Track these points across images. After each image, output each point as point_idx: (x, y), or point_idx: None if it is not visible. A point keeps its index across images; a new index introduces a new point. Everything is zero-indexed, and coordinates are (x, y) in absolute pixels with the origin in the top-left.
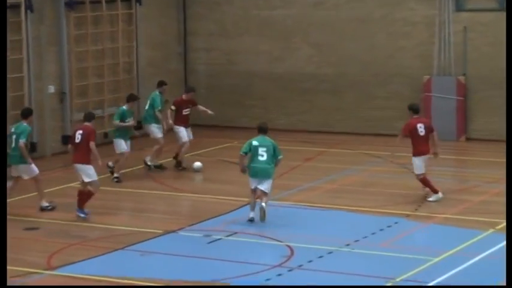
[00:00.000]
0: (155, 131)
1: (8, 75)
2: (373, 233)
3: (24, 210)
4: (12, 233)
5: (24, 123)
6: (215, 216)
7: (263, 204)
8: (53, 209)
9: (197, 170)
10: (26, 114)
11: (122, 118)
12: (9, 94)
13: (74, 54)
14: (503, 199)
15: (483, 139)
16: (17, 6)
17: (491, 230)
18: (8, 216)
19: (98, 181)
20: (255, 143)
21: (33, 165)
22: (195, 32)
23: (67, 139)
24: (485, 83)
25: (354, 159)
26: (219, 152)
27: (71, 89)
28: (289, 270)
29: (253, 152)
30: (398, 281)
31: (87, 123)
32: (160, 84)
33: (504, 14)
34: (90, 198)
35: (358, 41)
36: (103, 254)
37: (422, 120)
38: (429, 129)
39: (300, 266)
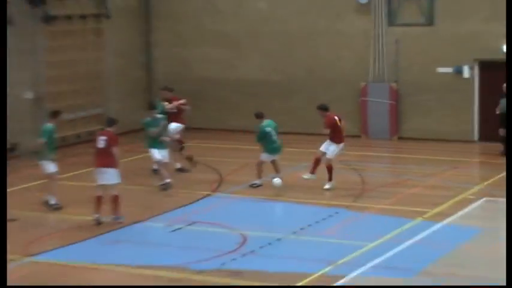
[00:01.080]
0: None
1: None
2: (316, 222)
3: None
4: None
5: (49, 124)
6: (176, 208)
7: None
8: (57, 208)
9: (276, 185)
10: (53, 114)
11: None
12: None
13: (50, 64)
14: (433, 192)
15: (415, 138)
16: None
17: (419, 219)
18: None
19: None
20: (268, 129)
21: (50, 164)
22: (157, 43)
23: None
24: (416, 89)
25: (300, 157)
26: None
27: (46, 95)
28: (243, 255)
29: (268, 135)
30: (339, 263)
31: (108, 129)
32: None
33: (431, 28)
34: (118, 201)
35: (305, 51)
36: (76, 242)
37: (335, 114)
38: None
39: (252, 251)
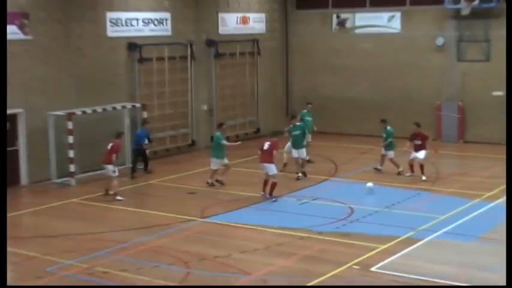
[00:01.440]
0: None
1: (179, 99)
2: (404, 200)
3: (188, 181)
4: (179, 195)
5: (217, 133)
6: (305, 188)
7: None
8: (213, 185)
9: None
10: (219, 125)
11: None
12: (179, 110)
13: (219, 86)
14: (488, 180)
15: (475, 141)
16: (185, 57)
17: (478, 199)
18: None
19: (277, 174)
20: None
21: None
22: (293, 72)
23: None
24: (476, 106)
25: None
26: None
27: (216, 107)
28: (351, 222)
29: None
30: (420, 229)
31: (273, 138)
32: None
33: (488, 63)
34: (275, 187)
35: (397, 79)
36: (236, 209)
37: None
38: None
39: (357, 219)
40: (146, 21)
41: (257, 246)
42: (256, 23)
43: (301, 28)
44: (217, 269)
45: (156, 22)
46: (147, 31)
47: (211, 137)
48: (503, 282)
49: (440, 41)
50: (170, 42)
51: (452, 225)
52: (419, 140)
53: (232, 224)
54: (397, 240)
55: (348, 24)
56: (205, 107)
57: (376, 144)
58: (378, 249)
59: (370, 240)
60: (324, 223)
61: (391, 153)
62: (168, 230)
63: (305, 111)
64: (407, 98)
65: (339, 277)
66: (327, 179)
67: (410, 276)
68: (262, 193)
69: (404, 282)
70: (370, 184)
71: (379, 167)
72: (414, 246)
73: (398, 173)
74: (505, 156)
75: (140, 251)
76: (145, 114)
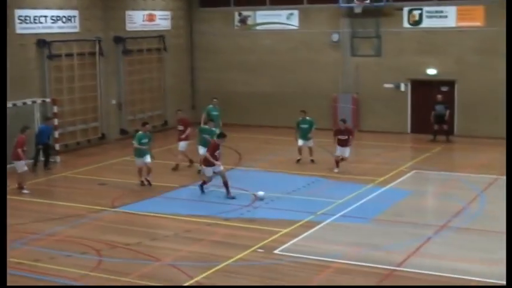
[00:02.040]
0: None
1: (89, 94)
2: (303, 186)
3: (99, 173)
4: (90, 186)
5: (140, 132)
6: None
7: None
8: (143, 184)
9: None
10: (143, 124)
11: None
12: (89, 105)
13: (127, 81)
14: (380, 166)
15: (369, 131)
16: (94, 53)
17: (371, 184)
18: (87, 177)
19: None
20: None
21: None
22: (198, 68)
23: (123, 131)
24: (370, 98)
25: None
26: None
27: (125, 101)
28: (254, 208)
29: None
30: (318, 214)
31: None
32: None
33: (379, 58)
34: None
35: (296, 74)
36: (146, 199)
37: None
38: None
39: (260, 205)
40: (55, 18)
41: (166, 233)
42: (162, 20)
43: (205, 25)
44: (128, 256)
45: (64, 19)
46: (56, 28)
47: (121, 130)
48: (396, 260)
49: (335, 37)
50: (78, 39)
51: (349, 209)
52: (345, 136)
53: (142, 213)
54: (298, 224)
55: (249, 22)
56: (114, 102)
57: (278, 135)
58: (281, 233)
59: (273, 225)
60: (229, 210)
61: (300, 142)
62: (80, 220)
63: (211, 106)
64: (306, 91)
65: (244, 260)
66: (232, 168)
67: (310, 257)
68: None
69: (305, 263)
70: (261, 193)
71: (311, 158)
72: (314, 229)
73: (298, 161)
74: (395, 144)
75: (53, 242)
76: (55, 109)
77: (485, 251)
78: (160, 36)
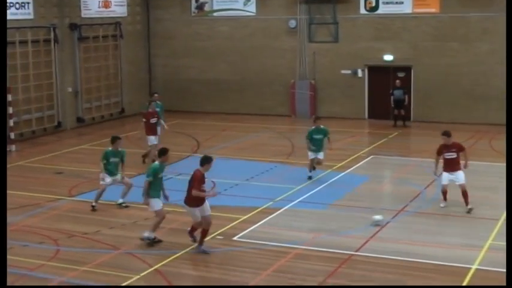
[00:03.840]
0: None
1: (44, 82)
2: (262, 172)
3: (55, 162)
4: (47, 175)
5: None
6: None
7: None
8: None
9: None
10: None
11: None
12: (44, 93)
13: (84, 69)
14: (338, 152)
15: (326, 117)
16: (49, 40)
17: (330, 170)
18: (43, 165)
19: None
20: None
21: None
22: (156, 55)
23: (80, 119)
24: (327, 84)
25: (252, 129)
26: None
27: (82, 89)
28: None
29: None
30: (277, 200)
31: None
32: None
33: (337, 44)
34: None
35: (254, 60)
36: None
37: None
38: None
39: (219, 192)
40: (8, 4)
41: (124, 221)
42: (118, 6)
43: (162, 12)
44: (86, 246)
45: (17, 6)
46: (9, 15)
47: (77, 118)
48: (354, 245)
49: (292, 23)
50: (33, 26)
51: (307, 195)
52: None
53: (100, 202)
54: (257, 210)
55: (206, 8)
56: (70, 89)
57: (236, 121)
58: (240, 220)
59: (232, 212)
60: None
61: (312, 155)
62: (36, 209)
63: (152, 102)
64: (264, 77)
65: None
66: (190, 155)
67: (269, 243)
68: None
69: (264, 249)
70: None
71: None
72: (272, 215)
73: (309, 178)
74: (353, 130)
75: (10, 232)
76: (9, 98)
77: (441, 235)
78: (116, 23)
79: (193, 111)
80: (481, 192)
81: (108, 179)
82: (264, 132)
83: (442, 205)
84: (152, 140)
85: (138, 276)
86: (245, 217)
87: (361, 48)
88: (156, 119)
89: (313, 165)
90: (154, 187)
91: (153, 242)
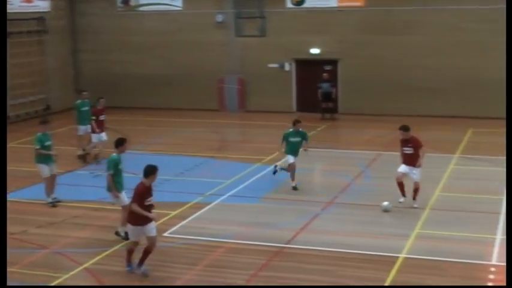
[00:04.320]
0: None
1: None
2: (191, 168)
3: None
4: None
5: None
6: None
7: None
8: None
9: (386, 209)
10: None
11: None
12: None
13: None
14: (267, 145)
15: (255, 111)
16: None
17: (259, 164)
18: None
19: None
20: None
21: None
22: (83, 50)
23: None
24: (255, 78)
25: (183, 121)
26: None
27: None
28: None
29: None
30: (207, 195)
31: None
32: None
33: (264, 38)
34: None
35: (183, 54)
36: (28, 186)
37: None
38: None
39: None
40: None
41: (52, 220)
42: (40, 1)
43: (87, 6)
44: (13, 246)
45: None
46: None
47: None
48: (285, 237)
49: (219, 18)
50: None
51: (237, 189)
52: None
53: (27, 201)
54: (188, 205)
55: (132, 3)
56: None
57: (165, 116)
58: (170, 215)
59: (163, 207)
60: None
61: (291, 158)
62: None
63: (79, 101)
64: (192, 72)
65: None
66: None
67: (201, 238)
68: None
69: (196, 244)
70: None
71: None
72: (203, 210)
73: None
74: (282, 123)
75: None
76: None
77: (370, 225)
78: (39, 18)
79: (122, 107)
80: (409, 182)
81: (46, 169)
82: (194, 127)
83: (401, 200)
84: (102, 136)
85: (67, 276)
86: (175, 212)
87: (288, 42)
88: (104, 115)
89: (279, 169)
90: (117, 180)
91: (124, 238)
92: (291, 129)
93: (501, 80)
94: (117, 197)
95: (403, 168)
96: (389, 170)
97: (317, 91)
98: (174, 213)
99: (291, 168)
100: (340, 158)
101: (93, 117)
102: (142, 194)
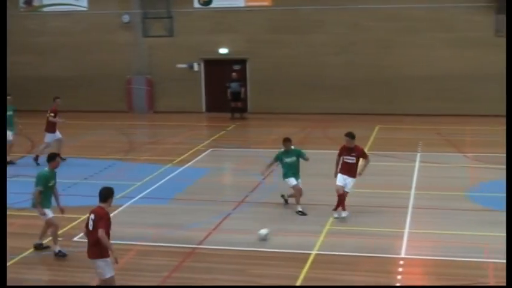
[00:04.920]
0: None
1: None
2: (100, 170)
3: None
4: None
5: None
6: None
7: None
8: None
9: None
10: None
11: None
12: None
13: None
14: (178, 146)
15: (165, 111)
16: None
17: (170, 165)
18: None
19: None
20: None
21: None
22: None
23: None
24: (164, 78)
25: (97, 123)
26: None
27: None
28: None
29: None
30: (118, 197)
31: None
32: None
33: (172, 38)
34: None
35: (89, 55)
36: None
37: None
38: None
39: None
40: None
41: None
42: None
43: None
44: None
45: None
46: None
47: None
48: (197, 238)
49: (126, 18)
50: None
51: (148, 190)
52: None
53: None
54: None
55: (36, 3)
56: None
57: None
58: (80, 219)
59: (72, 212)
60: (23, 200)
61: (293, 180)
62: None
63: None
64: (100, 73)
65: (43, 250)
66: (24, 156)
67: (111, 241)
68: None
69: None
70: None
71: None
72: (113, 213)
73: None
74: (191, 123)
75: None
76: None
77: (282, 223)
78: None
79: (27, 110)
80: (316, 179)
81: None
82: (102, 129)
83: (342, 215)
84: (56, 135)
85: None
86: (84, 217)
87: (196, 42)
88: (57, 116)
89: (287, 197)
90: (45, 196)
91: (62, 255)
92: (282, 150)
93: (405, 77)
94: (43, 214)
95: (341, 178)
96: (300, 167)
97: (226, 91)
98: (83, 217)
99: (297, 191)
100: (250, 157)
101: (52, 115)
102: (108, 219)
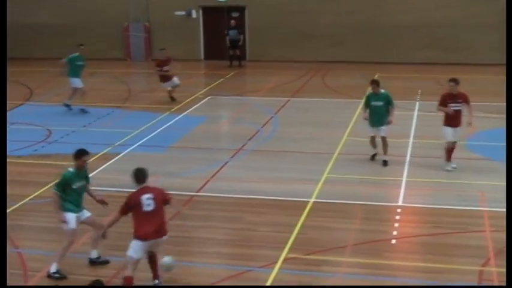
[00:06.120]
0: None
1: None
2: (98, 118)
3: None
4: None
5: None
6: None
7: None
8: None
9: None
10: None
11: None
12: None
13: None
14: (174, 94)
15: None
16: None
17: (167, 113)
18: None
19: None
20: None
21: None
22: None
23: None
24: (161, 26)
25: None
26: None
27: None
28: (49, 144)
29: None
30: (116, 145)
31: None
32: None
33: None
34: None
35: (86, 2)
36: None
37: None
38: None
39: (56, 140)
40: None
41: None
42: None
43: None
44: None
45: None
46: None
47: None
48: (195, 186)
49: None
50: None
51: (146, 138)
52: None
53: None
54: (96, 156)
55: None
56: None
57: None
58: None
59: (69, 160)
60: (21, 147)
61: (372, 131)
62: None
63: (77, 54)
64: (95, 20)
65: (41, 197)
66: (22, 104)
67: (109, 189)
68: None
69: (104, 196)
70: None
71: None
72: (111, 161)
73: (373, 156)
74: (189, 71)
75: None
76: None
77: (279, 171)
78: None
79: (20, 58)
80: (315, 127)
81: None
82: (99, 77)
83: (452, 166)
84: (174, 81)
85: None
86: None
87: None
88: (168, 66)
89: (374, 143)
90: (69, 199)
91: (58, 277)
92: (370, 92)
93: (394, 25)
94: (63, 221)
95: (450, 134)
96: (298, 116)
97: (225, 38)
98: None
99: (372, 141)
100: (248, 105)
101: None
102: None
